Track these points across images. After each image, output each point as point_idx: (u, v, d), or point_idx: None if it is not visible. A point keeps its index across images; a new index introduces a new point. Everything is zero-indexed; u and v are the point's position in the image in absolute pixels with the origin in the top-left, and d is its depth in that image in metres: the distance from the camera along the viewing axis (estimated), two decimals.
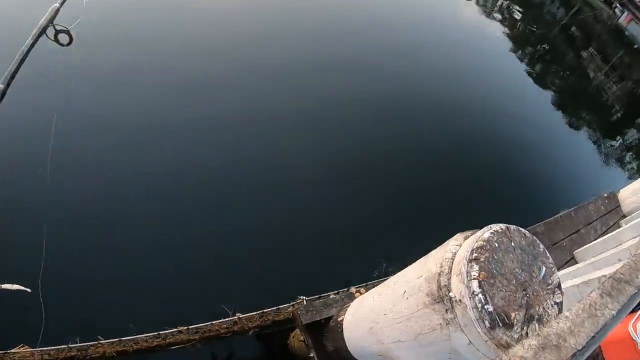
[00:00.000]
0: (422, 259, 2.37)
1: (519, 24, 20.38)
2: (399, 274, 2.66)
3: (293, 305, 4.27)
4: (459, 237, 2.10)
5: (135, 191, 6.69)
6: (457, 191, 8.06)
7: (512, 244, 1.99)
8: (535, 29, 19.77)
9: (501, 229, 2.00)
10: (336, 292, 4.39)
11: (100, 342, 4.17)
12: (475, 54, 14.18)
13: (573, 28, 21.23)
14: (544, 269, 2.02)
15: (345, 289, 4.39)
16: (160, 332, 4.37)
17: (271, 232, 6.60)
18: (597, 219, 5.77)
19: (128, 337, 4.25)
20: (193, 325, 4.48)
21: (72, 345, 3.85)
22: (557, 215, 5.34)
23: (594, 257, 4.22)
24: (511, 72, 14.81)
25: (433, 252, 2.25)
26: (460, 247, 2.02)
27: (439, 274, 1.97)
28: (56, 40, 2.92)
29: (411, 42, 12.83)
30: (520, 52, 17.05)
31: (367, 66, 10.48)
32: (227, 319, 4.53)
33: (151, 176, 6.89)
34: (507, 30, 18.97)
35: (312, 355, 3.91)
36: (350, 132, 8.43)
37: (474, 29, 16.82)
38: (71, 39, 2.96)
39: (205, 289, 6.06)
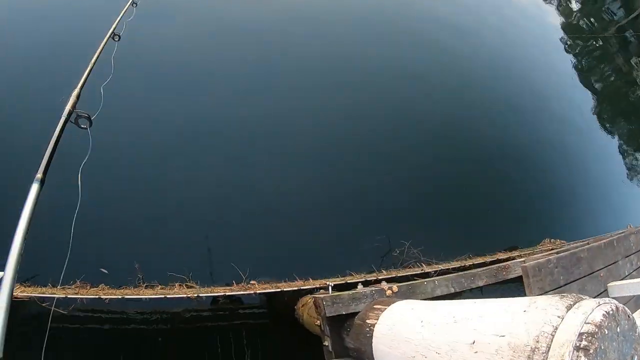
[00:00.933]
0: (501, 305, 2.08)
1: (575, 14, 19.46)
2: (459, 305, 2.38)
3: (317, 288, 4.06)
4: (559, 303, 1.81)
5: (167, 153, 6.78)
6: (490, 192, 7.81)
7: (618, 329, 1.72)
8: (590, 24, 18.89)
9: (612, 310, 1.71)
10: (363, 279, 4.18)
11: (101, 297, 4.06)
12: (524, 39, 13.54)
13: (629, 32, 20.25)
14: (635, 358, 1.75)
15: (373, 277, 4.20)
16: (168, 296, 4.24)
17: (301, 205, 6.46)
18: (634, 252, 5.51)
19: (130, 296, 4.16)
20: (202, 294, 4.32)
21: (71, 296, 3.76)
22: (600, 242, 5.08)
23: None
24: (556, 61, 14.18)
25: (519, 304, 1.95)
26: (562, 320, 1.72)
27: (533, 350, 1.69)
28: (77, 124, 3.07)
29: (455, 18, 12.22)
30: (570, 43, 16.29)
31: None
32: (240, 293, 4.32)
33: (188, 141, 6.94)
34: (561, 18, 18.14)
35: (326, 344, 3.73)
36: (395, 124, 8.16)
37: (527, 12, 16.01)
38: (91, 123, 3.12)
39: (225, 247, 5.93)
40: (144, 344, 5.52)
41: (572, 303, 1.80)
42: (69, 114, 2.98)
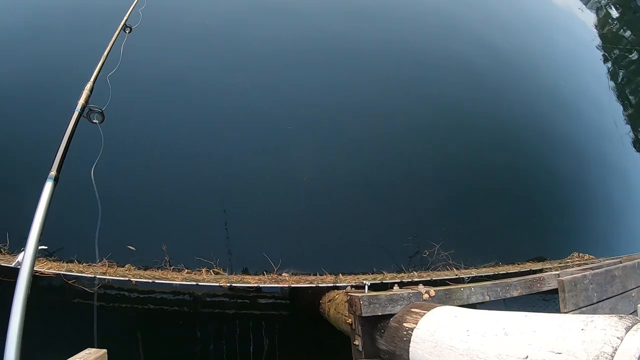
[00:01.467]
0: (555, 320, 2.07)
1: (613, 23, 19.05)
2: (508, 317, 2.37)
3: (352, 285, 4.08)
4: (618, 324, 1.80)
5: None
6: (521, 201, 7.77)
7: None
8: (629, 35, 18.47)
9: None
10: (399, 280, 4.20)
11: (131, 279, 4.11)
12: (556, 47, 13.28)
13: None
14: None
15: (408, 279, 4.21)
16: (200, 284, 4.30)
17: (333, 198, 6.48)
18: None
19: (161, 280, 4.21)
20: (235, 284, 4.35)
21: (100, 276, 3.82)
22: (634, 261, 5.03)
23: None
24: (590, 72, 13.89)
25: (574, 322, 1.95)
26: (621, 342, 1.73)
27: None
28: (89, 119, 2.97)
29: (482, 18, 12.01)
30: (606, 53, 15.95)
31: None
32: (273, 285, 4.35)
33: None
34: (598, 26, 17.76)
35: (357, 343, 3.76)
36: (436, 127, 8.22)
37: (561, 18, 15.69)
38: (103, 118, 3.02)
39: (251, 235, 5.97)
40: (163, 325, 5.59)
41: (630, 325, 1.80)
42: (82, 108, 2.91)
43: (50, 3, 8.68)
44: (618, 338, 1.75)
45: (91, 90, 3.07)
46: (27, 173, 5.82)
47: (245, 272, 5.71)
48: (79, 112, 2.88)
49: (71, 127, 2.78)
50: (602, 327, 1.82)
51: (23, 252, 2.12)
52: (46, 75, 7.07)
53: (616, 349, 1.71)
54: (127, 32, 4.32)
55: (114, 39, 3.97)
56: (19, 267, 2.09)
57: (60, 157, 2.58)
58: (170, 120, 6.94)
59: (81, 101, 2.92)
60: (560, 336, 1.93)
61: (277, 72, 8.14)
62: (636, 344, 1.68)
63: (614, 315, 1.89)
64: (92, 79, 3.18)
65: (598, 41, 16.18)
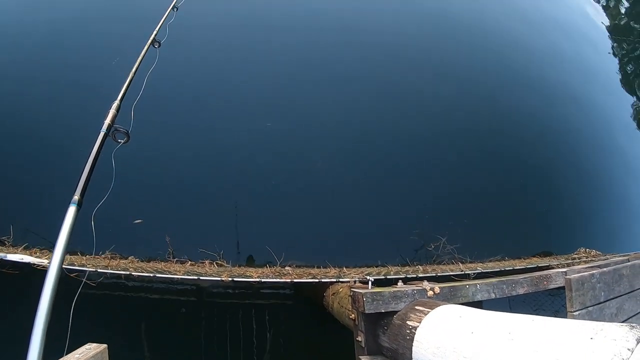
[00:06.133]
0: (564, 327, 2.03)
1: (622, 17, 18.72)
2: (514, 320, 2.33)
3: (356, 280, 4.05)
4: (629, 335, 1.76)
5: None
6: (529, 195, 7.71)
7: None
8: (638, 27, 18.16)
9: None
10: (403, 276, 4.16)
11: (132, 273, 4.10)
12: (564, 36, 13.07)
13: None
14: None
15: (413, 274, 4.18)
16: (202, 277, 4.29)
17: (339, 188, 6.45)
18: None
19: (162, 275, 4.19)
20: (237, 278, 4.33)
21: (102, 270, 3.81)
22: None
23: None
24: (599, 64, 13.70)
25: (584, 329, 1.91)
26: (632, 354, 1.69)
27: None
28: (114, 138, 2.81)
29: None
30: (615, 45, 15.72)
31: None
32: (275, 280, 4.32)
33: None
34: (607, 19, 17.50)
35: (359, 339, 3.73)
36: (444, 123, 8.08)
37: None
38: (129, 138, 2.86)
39: (255, 226, 5.95)
40: (166, 314, 5.59)
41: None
42: (109, 128, 2.76)
43: (70, 16, 8.45)
44: (629, 350, 1.71)
45: (118, 110, 2.93)
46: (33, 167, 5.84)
47: (250, 263, 5.69)
48: (105, 133, 2.75)
49: (97, 148, 2.66)
50: (613, 337, 1.78)
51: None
52: (73, 94, 6.96)
53: None
54: (157, 47, 4.15)
55: (142, 55, 3.77)
56: None
57: (84, 179, 2.46)
58: (177, 113, 6.90)
59: (107, 121, 2.78)
60: (568, 344, 1.89)
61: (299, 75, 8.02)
62: None
63: (625, 324, 1.85)
64: (119, 98, 3.03)
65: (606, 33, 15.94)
